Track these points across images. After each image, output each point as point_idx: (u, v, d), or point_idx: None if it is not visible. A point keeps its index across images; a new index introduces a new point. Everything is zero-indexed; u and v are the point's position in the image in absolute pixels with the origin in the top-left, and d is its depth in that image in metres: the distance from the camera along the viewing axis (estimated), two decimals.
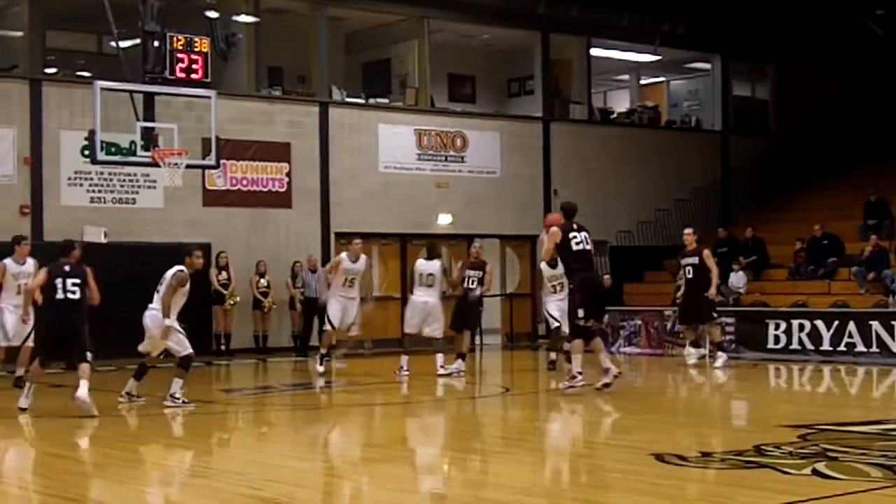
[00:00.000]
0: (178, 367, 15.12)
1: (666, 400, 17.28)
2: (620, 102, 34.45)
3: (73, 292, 14.08)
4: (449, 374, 18.57)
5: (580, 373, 15.57)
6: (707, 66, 33.50)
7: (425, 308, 18.86)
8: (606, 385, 15.72)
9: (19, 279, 17.04)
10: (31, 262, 17.22)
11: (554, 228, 15.78)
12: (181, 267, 15.05)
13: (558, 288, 18.37)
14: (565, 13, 29.37)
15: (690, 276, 20.77)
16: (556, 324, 18.58)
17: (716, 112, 33.09)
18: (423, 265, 19.21)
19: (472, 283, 19.26)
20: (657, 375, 20.59)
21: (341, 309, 19.08)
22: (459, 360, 18.87)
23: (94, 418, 13.72)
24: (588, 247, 15.77)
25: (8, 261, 17.28)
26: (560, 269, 17.52)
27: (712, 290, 20.54)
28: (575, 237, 15.59)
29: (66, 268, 14.25)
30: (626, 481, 9.64)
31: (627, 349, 24.11)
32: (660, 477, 9.71)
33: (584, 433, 13.29)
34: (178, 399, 14.97)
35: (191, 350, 15.01)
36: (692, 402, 17.34)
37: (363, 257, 19.44)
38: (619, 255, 29.05)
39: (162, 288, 14.96)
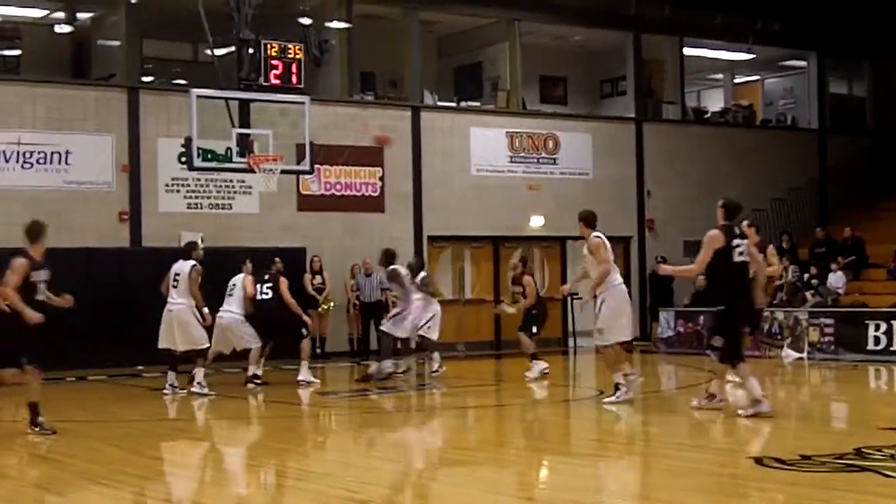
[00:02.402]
0: (198, 357, 16.55)
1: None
2: (714, 102, 34.15)
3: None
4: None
5: (764, 396, 13.24)
6: (802, 63, 33.09)
7: None
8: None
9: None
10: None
11: (714, 232, 13.19)
12: (192, 262, 16.40)
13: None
14: (657, 13, 29.21)
15: None
16: None
17: (812, 110, 32.68)
18: None
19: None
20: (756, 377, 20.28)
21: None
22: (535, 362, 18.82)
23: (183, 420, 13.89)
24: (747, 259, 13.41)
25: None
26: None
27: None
28: (738, 245, 13.24)
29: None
30: (725, 484, 9.56)
31: None
32: (758, 480, 9.62)
33: (681, 435, 13.18)
34: (203, 386, 16.33)
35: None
36: (791, 404, 17.10)
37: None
38: None
39: (183, 284, 16.33)
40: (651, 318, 27.71)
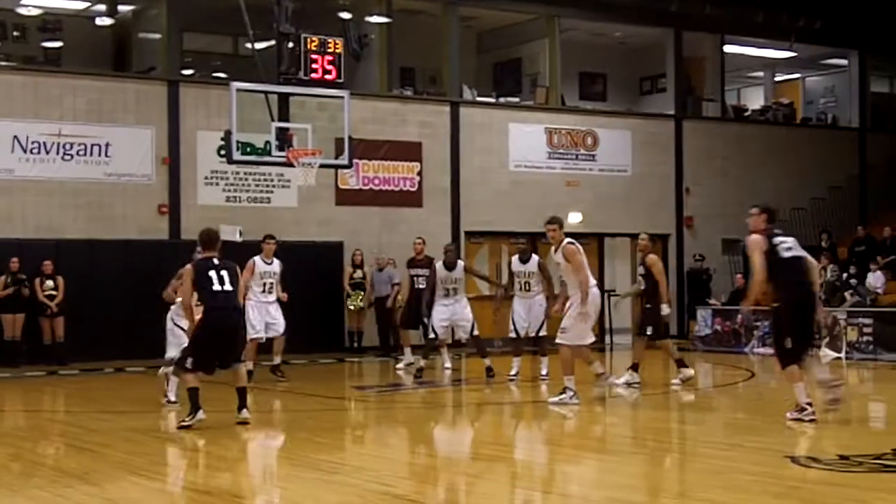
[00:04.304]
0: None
1: None
2: (754, 100, 34.00)
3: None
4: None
5: (809, 403, 12.74)
6: (844, 62, 32.89)
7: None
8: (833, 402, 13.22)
9: (265, 278, 18.04)
10: (277, 262, 18.24)
11: (754, 237, 12.92)
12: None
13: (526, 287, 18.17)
14: (698, 10, 29.09)
15: None
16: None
17: (853, 109, 32.48)
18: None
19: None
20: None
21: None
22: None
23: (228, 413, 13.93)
24: (801, 253, 13.03)
25: (257, 259, 18.14)
26: (530, 265, 17.55)
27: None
28: (783, 241, 12.92)
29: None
30: (761, 483, 9.50)
31: (761, 350, 23.76)
32: (795, 479, 9.58)
33: (717, 434, 13.13)
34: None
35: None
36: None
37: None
38: None
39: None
40: (688, 316, 27.63)
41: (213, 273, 12.87)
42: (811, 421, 12.56)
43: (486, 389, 17.76)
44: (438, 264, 18.88)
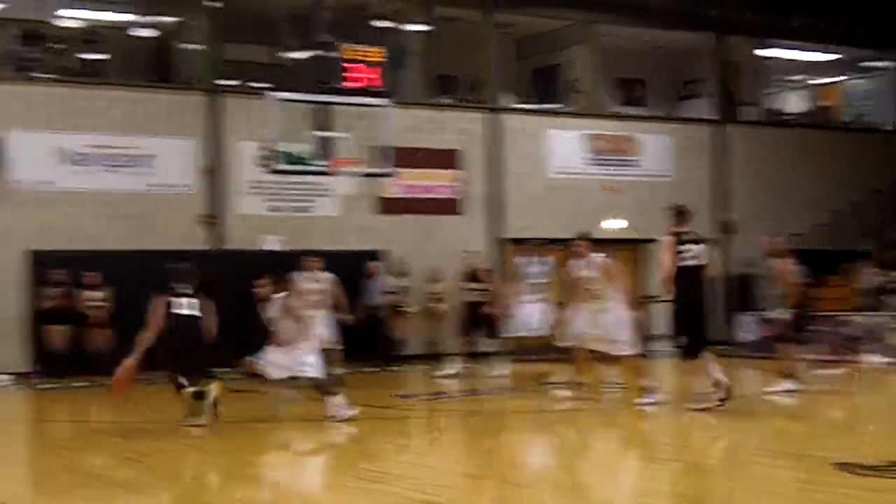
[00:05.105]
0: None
1: (849, 407, 16.84)
2: (794, 103, 33.83)
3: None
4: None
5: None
6: (884, 65, 32.67)
7: None
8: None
9: (308, 294, 17.86)
10: (324, 277, 18.58)
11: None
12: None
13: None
14: (738, 15, 29.00)
15: None
16: None
17: (894, 112, 32.24)
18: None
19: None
20: (838, 382, 20.08)
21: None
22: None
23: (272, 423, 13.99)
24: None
25: (296, 275, 17.88)
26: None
27: None
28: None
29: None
30: (809, 491, 9.46)
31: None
32: (843, 487, 9.51)
33: (764, 442, 13.06)
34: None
35: None
36: (876, 409, 16.89)
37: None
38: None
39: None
40: (732, 322, 27.50)
41: (181, 300, 13.99)
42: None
43: (534, 397, 17.67)
44: None
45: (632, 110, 29.80)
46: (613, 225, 27.28)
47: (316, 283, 18.36)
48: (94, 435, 13.81)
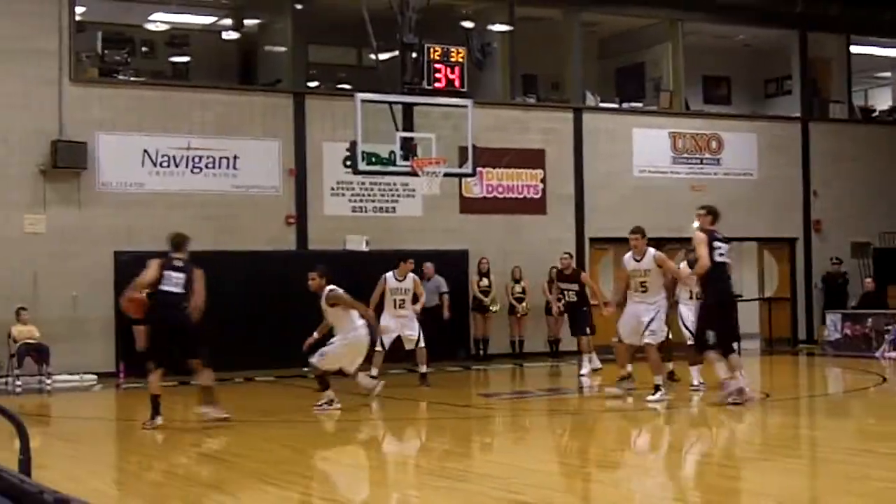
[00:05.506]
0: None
1: None
2: (882, 100, 33.36)
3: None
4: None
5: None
6: None
7: None
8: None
9: (395, 294, 18.42)
10: (410, 279, 18.62)
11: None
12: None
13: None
14: (824, 11, 28.69)
15: None
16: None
17: None
18: None
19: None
20: None
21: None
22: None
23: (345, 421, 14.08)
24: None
25: (388, 275, 18.50)
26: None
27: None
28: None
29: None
30: (894, 490, 9.35)
31: (892, 354, 23.34)
32: None
33: (847, 440, 12.92)
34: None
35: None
36: None
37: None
38: (883, 257, 28.13)
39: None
40: (818, 321, 27.23)
41: (171, 273, 13.84)
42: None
43: (621, 398, 17.58)
44: None
45: (717, 108, 29.59)
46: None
47: (401, 283, 18.49)
48: (179, 434, 13.96)
